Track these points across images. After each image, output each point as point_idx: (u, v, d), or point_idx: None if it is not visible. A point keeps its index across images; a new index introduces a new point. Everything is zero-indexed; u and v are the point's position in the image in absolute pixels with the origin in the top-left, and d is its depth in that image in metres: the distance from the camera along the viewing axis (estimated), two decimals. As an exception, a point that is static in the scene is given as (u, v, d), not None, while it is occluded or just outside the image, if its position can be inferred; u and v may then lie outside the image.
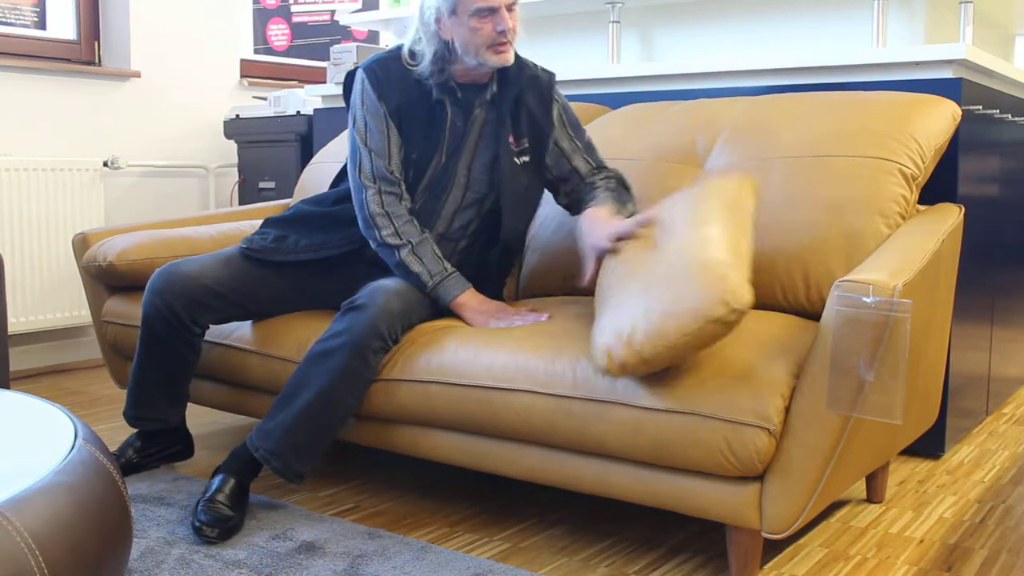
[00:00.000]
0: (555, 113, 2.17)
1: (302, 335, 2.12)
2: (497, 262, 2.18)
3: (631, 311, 1.62)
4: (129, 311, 2.47)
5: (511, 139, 2.12)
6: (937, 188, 2.32)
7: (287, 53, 4.51)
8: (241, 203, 3.92)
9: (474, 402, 1.86)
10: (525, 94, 2.13)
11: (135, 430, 2.28)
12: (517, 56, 2.11)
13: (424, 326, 2.05)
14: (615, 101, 2.82)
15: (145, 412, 2.22)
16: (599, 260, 1.95)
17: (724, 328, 1.51)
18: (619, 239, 1.89)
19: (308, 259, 2.17)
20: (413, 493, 2.21)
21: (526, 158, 2.14)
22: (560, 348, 1.81)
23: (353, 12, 3.79)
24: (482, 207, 2.15)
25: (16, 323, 3.30)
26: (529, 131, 2.14)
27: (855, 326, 1.53)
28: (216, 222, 2.86)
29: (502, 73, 2.11)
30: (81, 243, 2.59)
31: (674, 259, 1.63)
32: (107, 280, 2.52)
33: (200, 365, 2.27)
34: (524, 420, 1.80)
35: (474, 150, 2.13)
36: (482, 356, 1.87)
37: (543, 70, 2.19)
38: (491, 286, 2.17)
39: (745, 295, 1.49)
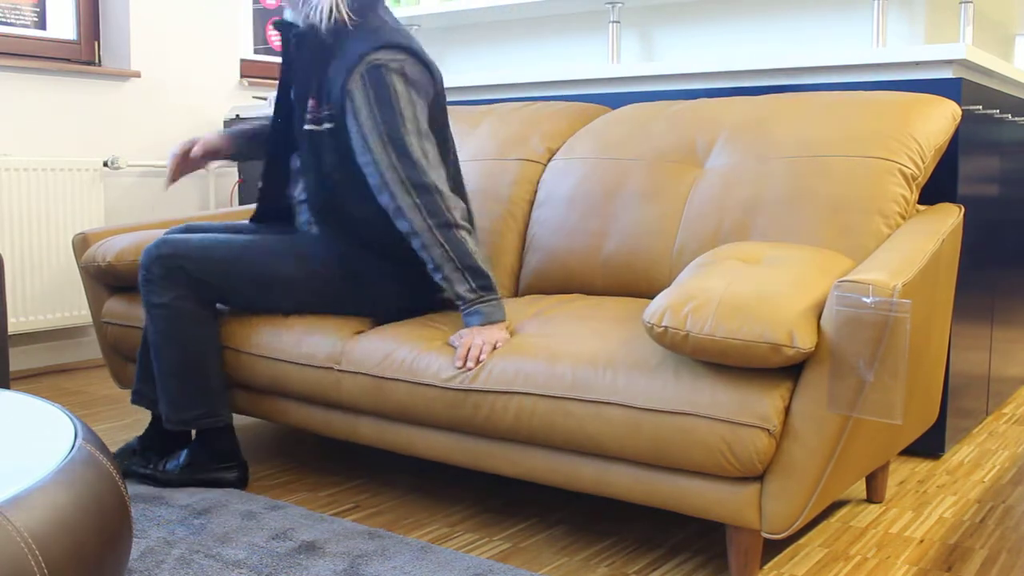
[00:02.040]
0: (349, 89, 2.02)
1: (288, 335, 2.13)
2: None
3: (709, 286, 1.65)
4: (129, 311, 2.47)
5: (312, 101, 2.10)
6: (937, 188, 2.32)
7: (287, 53, 4.51)
8: (241, 203, 3.92)
9: (472, 404, 1.86)
10: (330, 63, 2.07)
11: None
12: (360, 26, 2.06)
13: (422, 330, 2.05)
14: (615, 101, 2.82)
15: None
16: None
17: (773, 355, 1.53)
18: None
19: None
20: (413, 493, 2.21)
21: (329, 125, 2.08)
22: (559, 348, 1.81)
23: (353, 12, 3.79)
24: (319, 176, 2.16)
25: (16, 323, 3.30)
26: (331, 101, 2.07)
27: (855, 326, 1.53)
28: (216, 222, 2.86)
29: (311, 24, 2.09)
30: (81, 243, 2.59)
31: (770, 277, 1.67)
32: (107, 280, 2.52)
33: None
34: (523, 421, 1.80)
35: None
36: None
37: (367, 49, 2.02)
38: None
39: (809, 342, 1.54)
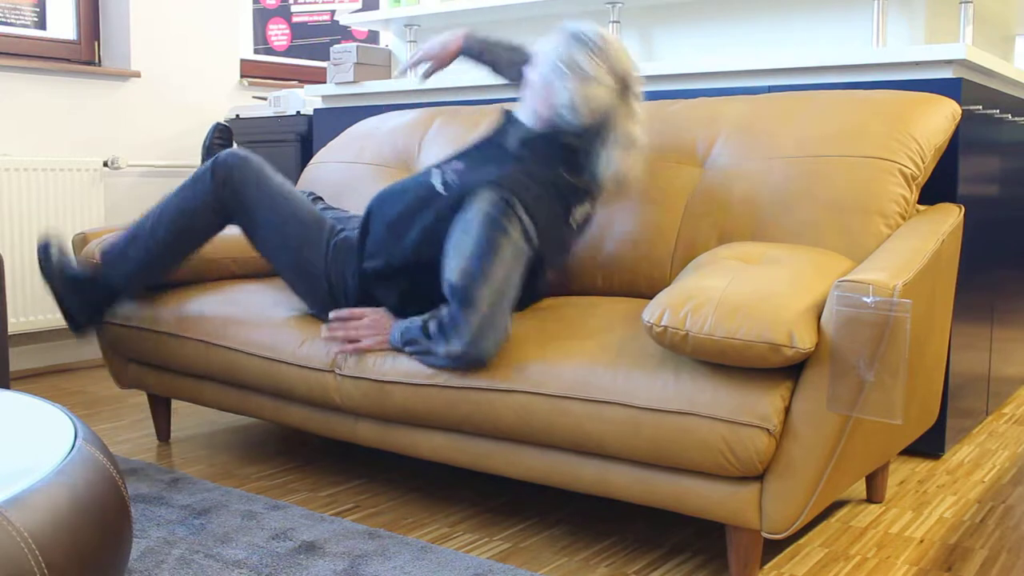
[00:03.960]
0: (478, 192, 2.05)
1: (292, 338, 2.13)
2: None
3: (709, 286, 1.65)
4: (129, 311, 2.47)
5: (457, 163, 2.13)
6: (937, 188, 2.32)
7: (287, 53, 4.51)
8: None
9: (472, 403, 1.86)
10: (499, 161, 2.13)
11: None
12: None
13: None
14: (615, 101, 2.81)
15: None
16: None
17: (772, 355, 1.53)
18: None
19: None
20: (413, 493, 2.21)
21: (444, 192, 2.10)
22: (559, 348, 1.81)
23: (353, 12, 3.79)
24: None
25: (16, 323, 3.30)
26: (464, 181, 2.11)
27: (855, 326, 1.53)
28: (216, 222, 2.85)
29: None
30: (81, 243, 2.58)
31: (770, 277, 1.67)
32: (107, 280, 2.52)
33: (194, 363, 2.28)
34: (523, 420, 1.80)
35: None
36: (482, 356, 1.87)
37: (510, 175, 2.02)
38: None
39: (808, 342, 1.54)
